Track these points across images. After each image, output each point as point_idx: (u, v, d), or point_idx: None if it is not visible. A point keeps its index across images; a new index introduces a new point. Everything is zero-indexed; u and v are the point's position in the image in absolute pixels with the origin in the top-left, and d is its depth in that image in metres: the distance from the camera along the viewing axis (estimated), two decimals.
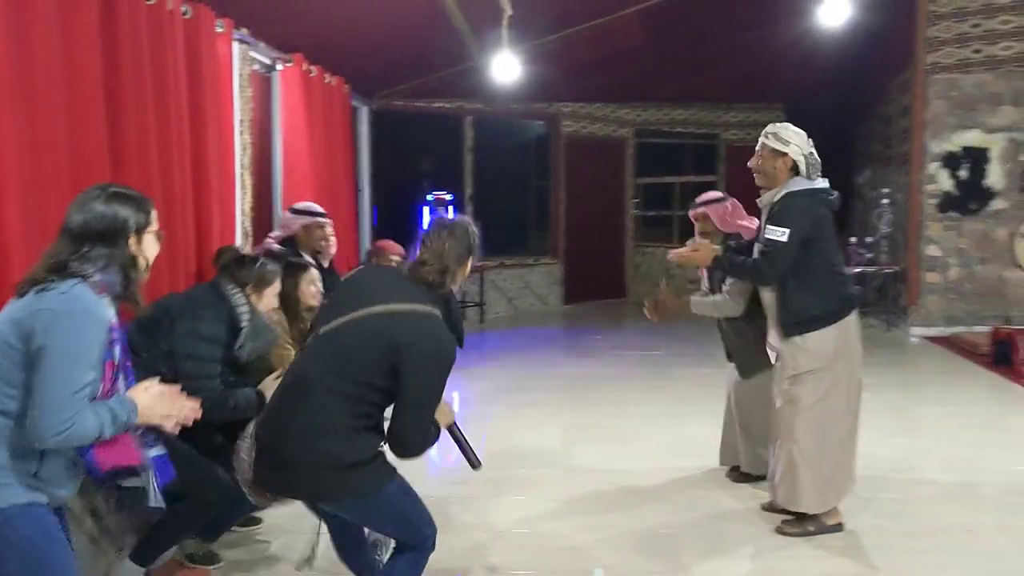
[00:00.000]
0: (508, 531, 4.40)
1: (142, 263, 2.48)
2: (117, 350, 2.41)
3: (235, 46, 5.80)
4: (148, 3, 4.33)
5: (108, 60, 3.92)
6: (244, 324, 3.64)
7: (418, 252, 2.97)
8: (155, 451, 2.58)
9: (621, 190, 13.14)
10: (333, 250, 5.36)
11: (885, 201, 10.44)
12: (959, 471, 5.23)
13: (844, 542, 4.20)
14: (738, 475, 5.06)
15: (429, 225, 3.05)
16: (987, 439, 5.94)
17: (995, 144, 9.61)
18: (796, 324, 4.14)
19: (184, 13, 4.75)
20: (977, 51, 9.56)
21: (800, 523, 4.26)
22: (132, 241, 2.45)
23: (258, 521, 4.37)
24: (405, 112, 10.74)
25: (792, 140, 4.08)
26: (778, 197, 4.11)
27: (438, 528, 3.06)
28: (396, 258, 5.66)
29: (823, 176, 4.16)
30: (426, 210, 10.70)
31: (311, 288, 4.32)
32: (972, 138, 9.64)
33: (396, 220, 10.87)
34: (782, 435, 4.26)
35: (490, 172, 11.58)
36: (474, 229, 3.03)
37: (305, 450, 2.78)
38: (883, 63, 11.11)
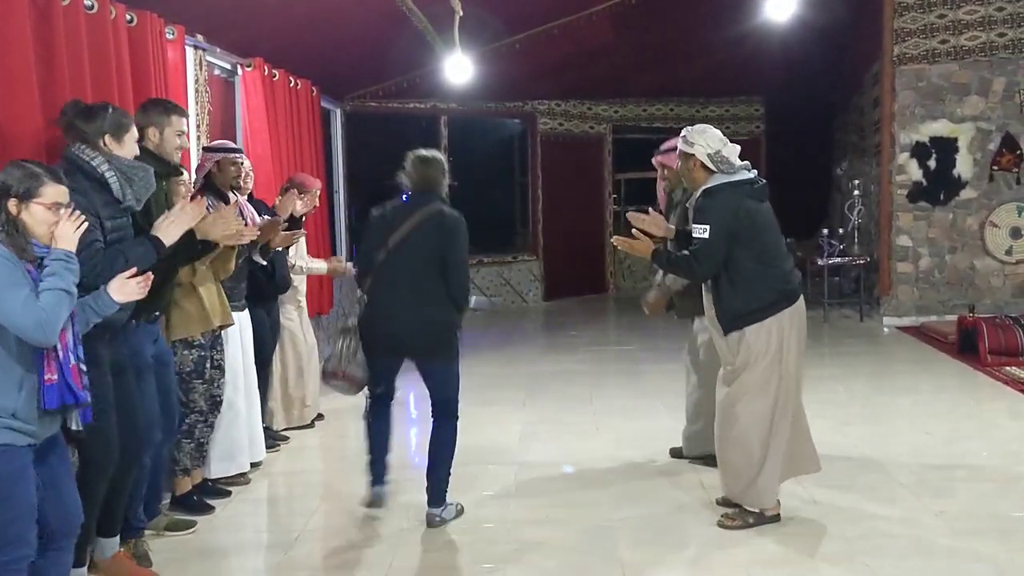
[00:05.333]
0: (450, 526, 4.45)
1: (26, 228, 2.88)
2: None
3: (189, 52, 5.87)
4: (89, 12, 4.38)
5: (44, 66, 3.94)
6: (109, 177, 3.49)
7: (410, 176, 4.41)
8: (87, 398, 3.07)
9: (600, 186, 13.20)
10: (250, 184, 5.56)
11: (857, 192, 10.49)
12: (910, 457, 5.29)
13: (782, 530, 4.24)
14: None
15: (414, 162, 4.43)
16: (944, 427, 5.99)
17: (963, 134, 9.67)
18: (731, 320, 4.19)
19: (129, 21, 4.80)
20: (944, 42, 9.61)
21: (741, 515, 4.30)
22: (12, 205, 2.87)
23: (192, 524, 4.43)
24: (379, 113, 10.80)
25: (696, 141, 4.17)
26: (696, 195, 4.22)
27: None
28: (316, 189, 6.05)
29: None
30: None
31: (180, 189, 4.37)
32: (940, 128, 9.70)
33: None
34: (722, 428, 4.31)
35: (468, 171, 11.59)
36: (440, 156, 4.53)
37: (427, 319, 4.29)
38: (857, 54, 11.17)
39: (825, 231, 10.48)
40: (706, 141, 4.17)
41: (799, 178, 12.77)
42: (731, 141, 4.30)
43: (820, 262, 10.19)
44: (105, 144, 3.57)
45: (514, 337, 10.07)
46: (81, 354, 3.06)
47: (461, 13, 6.83)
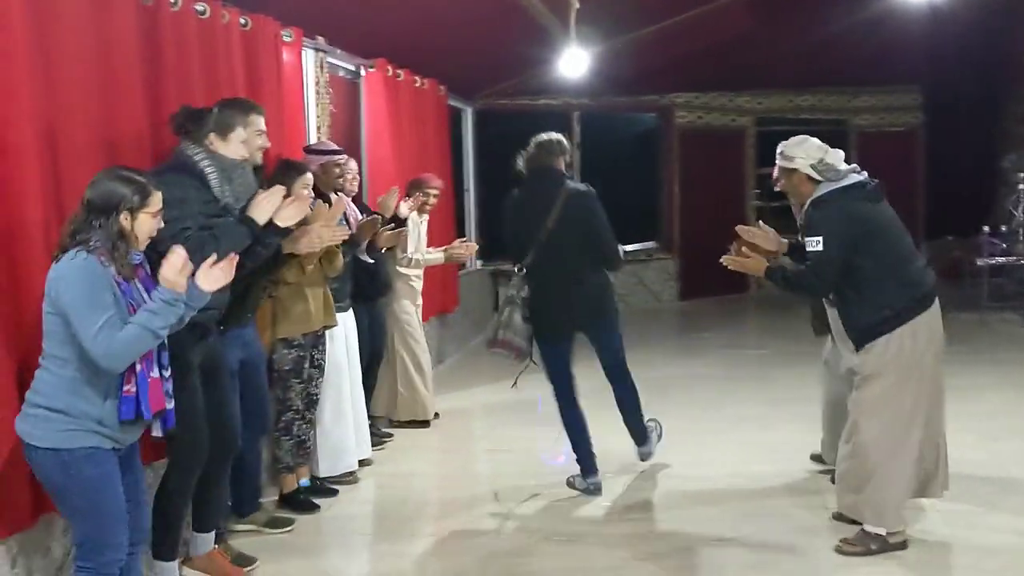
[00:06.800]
0: (550, 536, 4.32)
1: (133, 238, 2.93)
2: (135, 296, 2.92)
3: (310, 54, 5.93)
4: (201, 17, 4.46)
5: (152, 71, 4.03)
6: (209, 173, 3.59)
7: (536, 156, 4.83)
8: (169, 405, 3.09)
9: (741, 181, 12.67)
10: (354, 187, 5.52)
11: (1022, 186, 9.64)
12: None
13: (909, 560, 3.88)
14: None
15: (534, 144, 4.86)
16: None
17: None
18: (861, 334, 3.92)
19: (243, 25, 4.86)
20: None
21: (862, 540, 3.96)
22: (124, 217, 2.89)
23: (290, 523, 4.44)
24: (510, 111, 10.73)
25: (796, 154, 3.99)
26: (805, 208, 3.99)
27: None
28: (433, 190, 6.20)
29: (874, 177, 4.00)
30: None
31: (303, 192, 4.34)
32: None
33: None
34: (846, 436, 4.03)
35: (601, 167, 11.37)
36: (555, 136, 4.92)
37: (589, 289, 4.80)
38: None
39: (986, 228, 9.68)
40: (806, 152, 3.98)
41: (961, 172, 11.92)
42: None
43: (979, 262, 9.42)
44: (211, 142, 3.66)
45: (645, 338, 9.70)
46: (166, 361, 3.07)
47: (578, 5, 6.65)
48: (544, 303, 4.72)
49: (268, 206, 3.64)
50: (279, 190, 3.72)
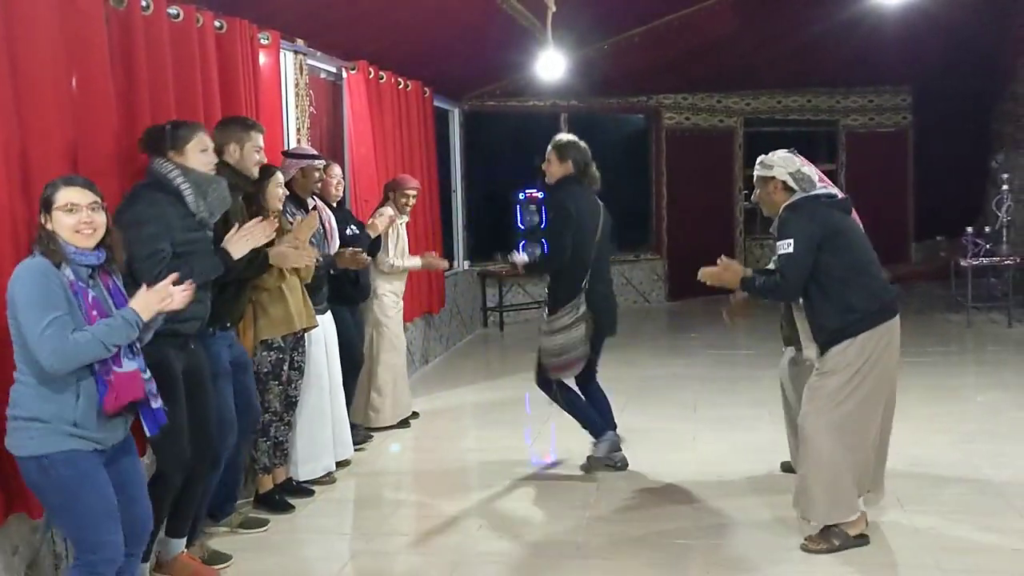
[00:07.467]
0: (524, 536, 4.36)
1: (57, 234, 2.91)
2: (91, 297, 2.91)
3: (289, 57, 5.96)
4: (174, 20, 4.49)
5: (123, 72, 4.06)
6: (184, 189, 3.62)
7: (582, 169, 5.17)
8: (156, 404, 3.08)
9: (729, 182, 12.69)
10: (339, 192, 5.63)
11: (1005, 187, 9.67)
12: None
13: (872, 560, 3.92)
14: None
15: (582, 151, 5.20)
16: None
17: None
18: (828, 336, 4.02)
19: (218, 28, 4.89)
20: None
21: (824, 538, 4.02)
22: (44, 219, 2.93)
23: (265, 523, 4.48)
24: (497, 112, 10.75)
25: (774, 163, 4.11)
26: (779, 214, 4.10)
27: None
28: (412, 191, 6.15)
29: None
30: (518, 208, 10.72)
31: (277, 191, 4.50)
32: None
33: (493, 218, 10.94)
34: (801, 433, 4.10)
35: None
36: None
37: (614, 296, 5.42)
38: (1016, 37, 10.30)
39: (969, 229, 9.72)
40: (784, 162, 4.10)
41: (950, 172, 11.95)
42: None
43: (963, 263, 9.46)
44: (171, 157, 3.70)
45: (631, 339, 9.74)
46: (143, 364, 3.05)
47: (554, 8, 6.69)
48: (602, 305, 5.15)
49: (245, 245, 3.77)
50: (258, 228, 3.82)
